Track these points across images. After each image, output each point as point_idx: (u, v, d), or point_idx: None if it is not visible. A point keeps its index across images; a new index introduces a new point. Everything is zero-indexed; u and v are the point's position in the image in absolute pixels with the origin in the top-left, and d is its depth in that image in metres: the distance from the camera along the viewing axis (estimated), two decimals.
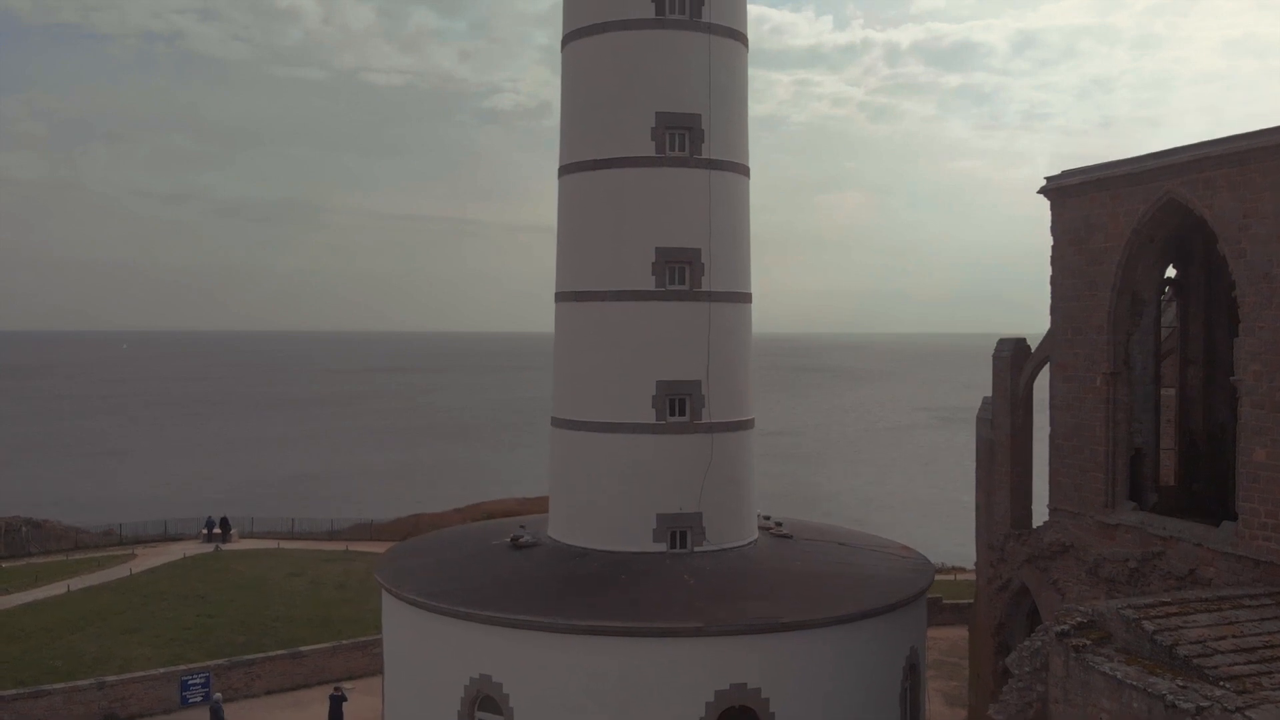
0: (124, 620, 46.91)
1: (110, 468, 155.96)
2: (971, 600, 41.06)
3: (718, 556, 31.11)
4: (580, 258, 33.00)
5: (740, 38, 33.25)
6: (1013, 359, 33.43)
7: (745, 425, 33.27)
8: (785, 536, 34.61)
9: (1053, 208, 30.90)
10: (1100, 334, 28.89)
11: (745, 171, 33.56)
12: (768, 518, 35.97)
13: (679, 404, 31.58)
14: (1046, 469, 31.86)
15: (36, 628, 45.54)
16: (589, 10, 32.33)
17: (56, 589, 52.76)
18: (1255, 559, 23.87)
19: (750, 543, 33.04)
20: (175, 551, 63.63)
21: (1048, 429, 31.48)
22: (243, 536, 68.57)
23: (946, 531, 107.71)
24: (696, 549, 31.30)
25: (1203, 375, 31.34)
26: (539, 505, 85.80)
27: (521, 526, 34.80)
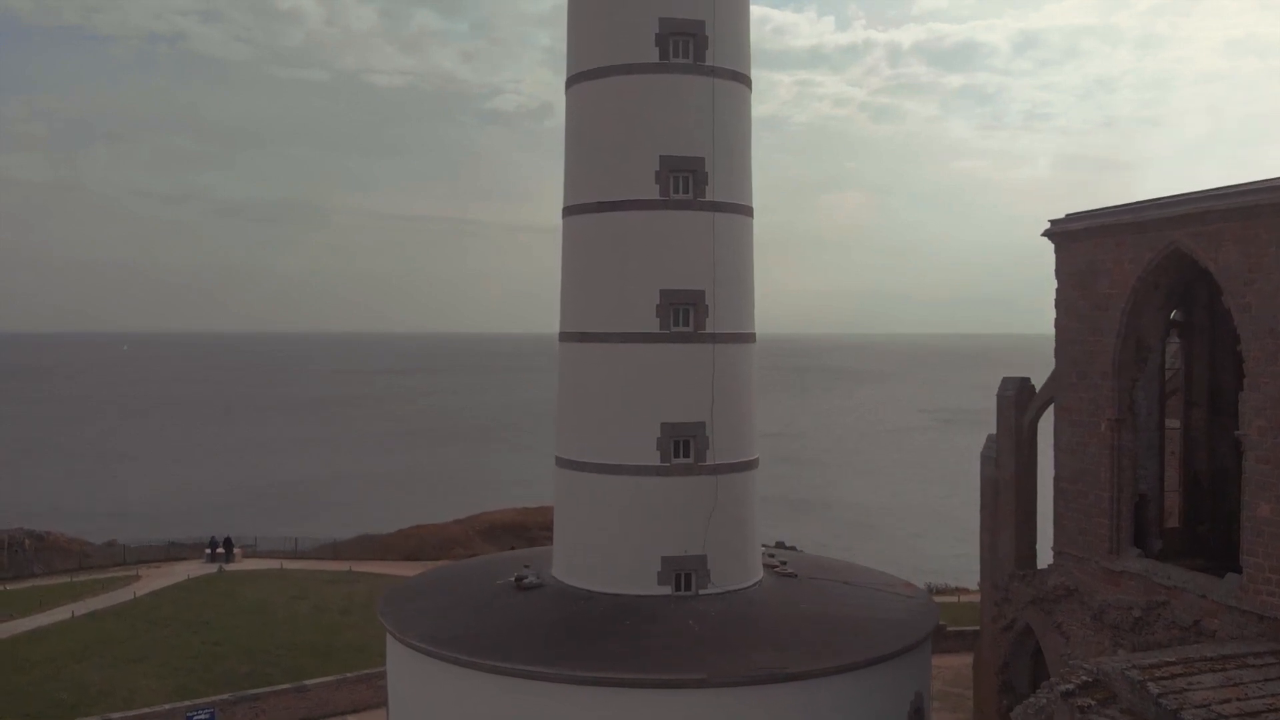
0: (129, 649, 46.94)
1: (112, 473, 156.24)
2: (976, 627, 41.22)
3: (722, 599, 31.16)
4: (585, 299, 33.04)
5: (744, 80, 33.30)
6: (1016, 399, 33.49)
7: (749, 465, 33.32)
8: (790, 575, 34.63)
9: (1057, 251, 30.93)
10: (1105, 379, 28.92)
11: (749, 212, 33.63)
12: (773, 555, 35.99)
13: (683, 446, 31.62)
14: (1050, 508, 32.03)
15: (42, 657, 45.57)
16: (593, 54, 32.38)
17: (61, 614, 52.80)
18: (1260, 614, 23.90)
19: (755, 584, 33.07)
20: (179, 572, 63.67)
21: (1051, 468, 31.66)
22: (246, 556, 68.62)
23: (947, 542, 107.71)
24: (701, 591, 31.35)
25: (1206, 417, 31.37)
26: (540, 515, 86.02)
27: (526, 566, 34.81)
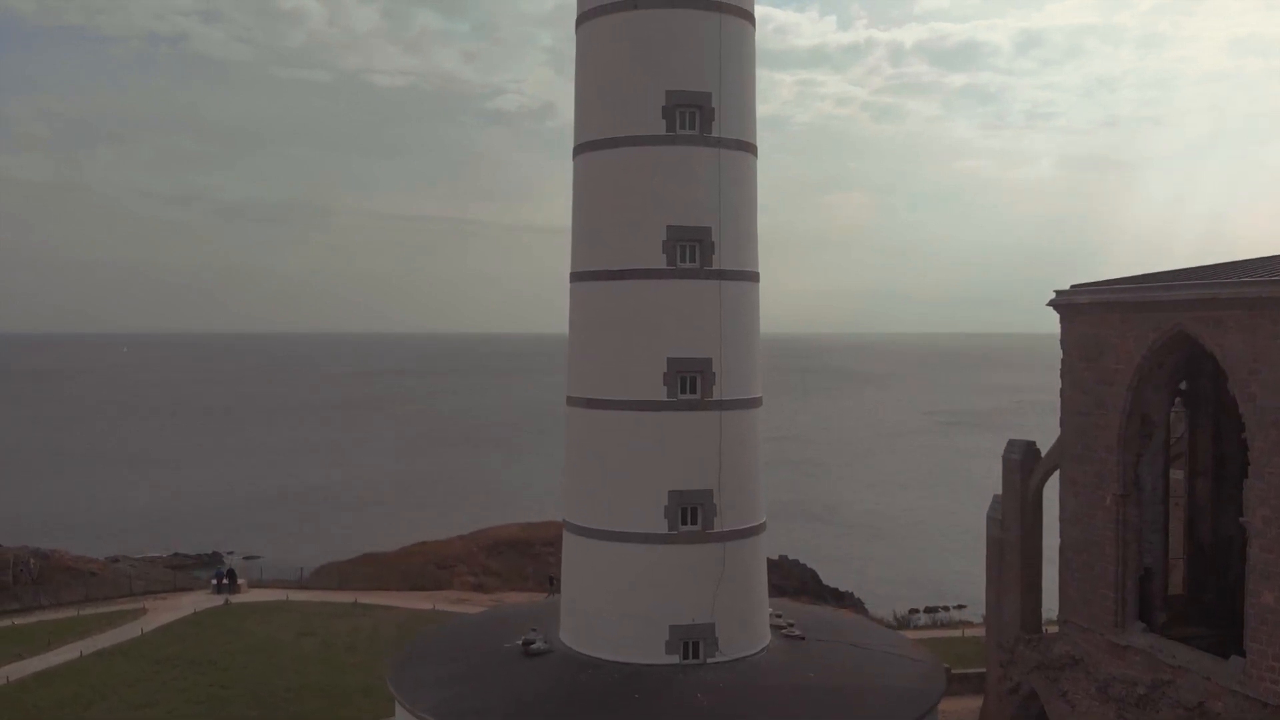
0: (137, 693, 47.10)
1: (114, 479, 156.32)
2: (981, 669, 41.41)
3: (730, 669, 31.33)
4: (592, 365, 33.22)
5: (749, 148, 33.57)
6: (1022, 462, 33.68)
7: (757, 530, 33.53)
8: (797, 638, 34.82)
9: (1062, 321, 31.17)
10: (1110, 454, 29.14)
11: (755, 278, 33.90)
12: (779, 615, 36.19)
13: (691, 513, 31.86)
14: (1055, 565, 32.25)
15: (50, 702, 45.74)
16: (601, 125, 32.69)
17: (69, 653, 52.97)
18: (1263, 701, 24.13)
19: (762, 649, 33.27)
20: (185, 605, 63.82)
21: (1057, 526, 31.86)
22: (251, 585, 68.83)
23: (949, 556, 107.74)
24: (709, 660, 31.55)
25: (1211, 486, 31.59)
26: (543, 531, 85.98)
27: (533, 630, 34.96)
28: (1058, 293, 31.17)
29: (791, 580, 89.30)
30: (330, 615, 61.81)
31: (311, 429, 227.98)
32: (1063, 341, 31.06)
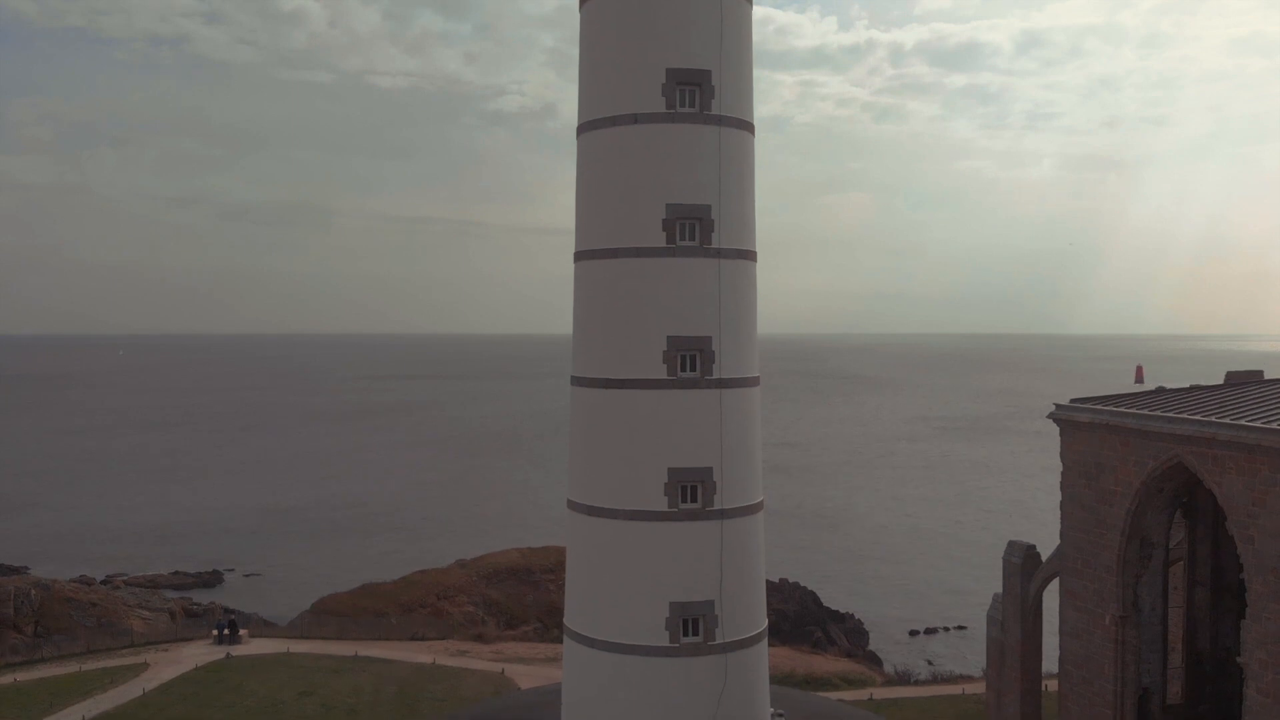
0: None
1: (112, 493, 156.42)
2: None
3: None
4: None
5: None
6: (1023, 565, 33.79)
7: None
8: None
9: (1062, 436, 31.26)
10: (1110, 574, 29.26)
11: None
12: (780, 714, 36.17)
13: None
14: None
15: None
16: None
17: (72, 716, 53.08)
18: None
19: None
20: (186, 658, 63.90)
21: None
22: (253, 635, 68.92)
23: (947, 571, 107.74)
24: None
25: (1210, 597, 31.68)
26: (543, 557, 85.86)
27: None
28: (1058, 406, 31.28)
29: (792, 603, 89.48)
30: (330, 671, 61.91)
31: (316, 438, 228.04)
32: (1063, 455, 31.16)
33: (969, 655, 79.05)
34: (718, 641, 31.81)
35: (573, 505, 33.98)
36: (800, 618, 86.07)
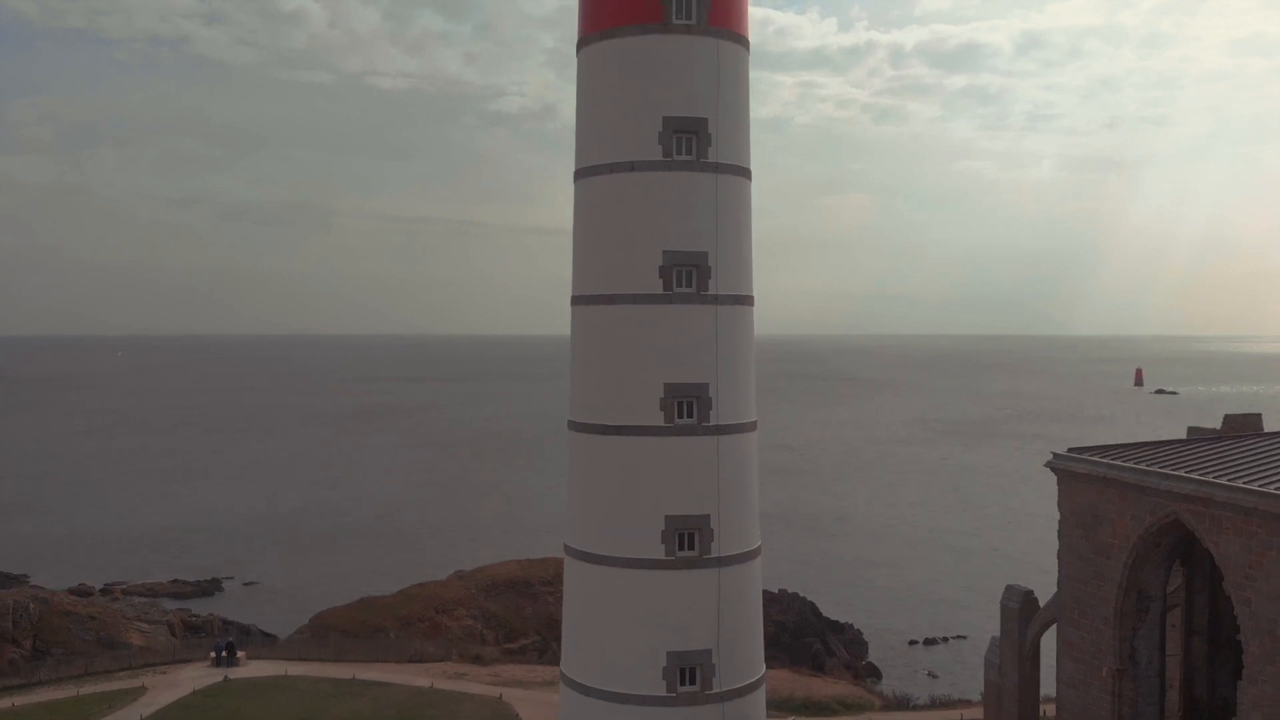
0: None
1: (112, 498, 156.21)
2: None
3: None
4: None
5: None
6: (1021, 611, 33.73)
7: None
8: None
9: (1060, 485, 31.21)
10: (1107, 626, 29.21)
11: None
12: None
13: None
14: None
15: None
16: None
17: None
18: None
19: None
20: (184, 681, 63.75)
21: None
22: (251, 658, 68.76)
23: (945, 578, 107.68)
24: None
25: (1207, 646, 31.61)
26: (541, 569, 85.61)
27: None
28: (1055, 455, 31.22)
29: (791, 615, 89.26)
30: (328, 695, 61.75)
31: (315, 441, 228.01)
32: (1060, 505, 31.11)
33: (967, 670, 78.99)
34: (715, 690, 31.78)
35: (570, 551, 33.97)
36: (800, 629, 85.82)
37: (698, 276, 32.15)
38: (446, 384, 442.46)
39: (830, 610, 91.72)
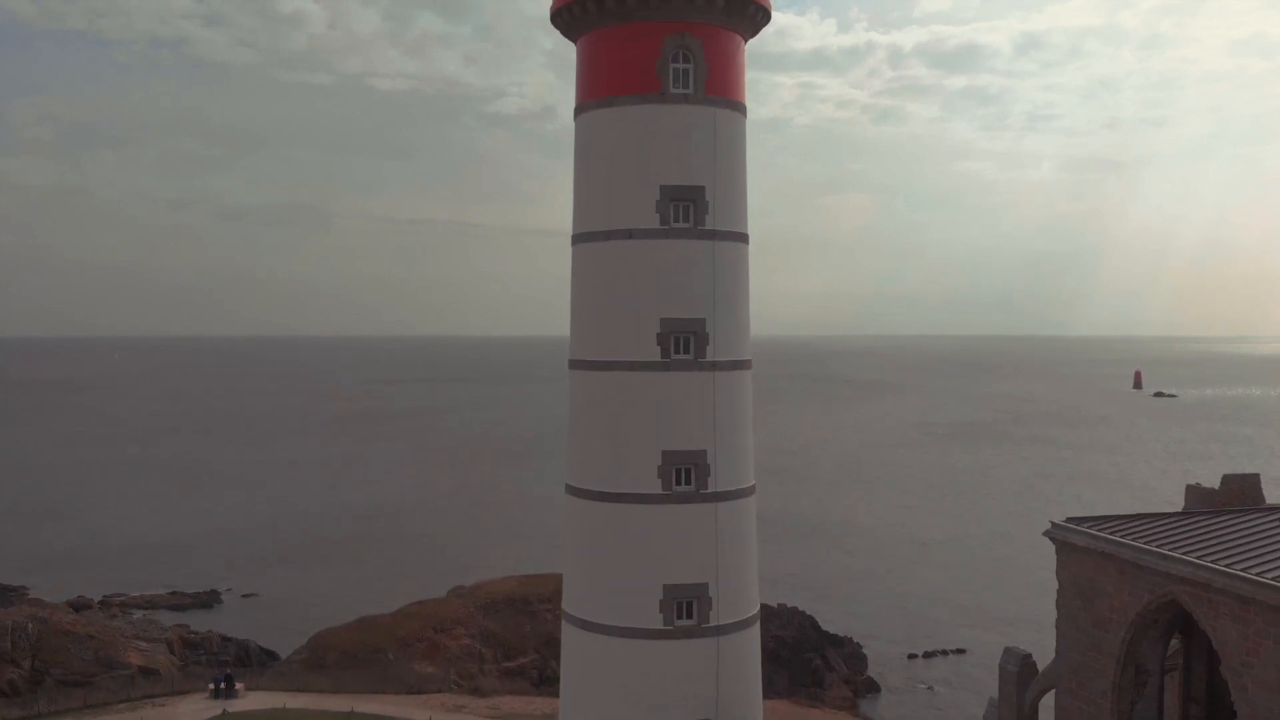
0: None
1: (111, 505, 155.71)
2: None
3: None
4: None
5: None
6: (1020, 675, 33.62)
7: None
8: None
9: (1058, 554, 31.13)
10: (1105, 699, 29.16)
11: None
12: None
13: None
14: None
15: None
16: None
17: None
18: None
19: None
20: (183, 716, 63.79)
21: None
22: (249, 689, 68.76)
23: (945, 587, 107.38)
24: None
25: (1205, 716, 31.52)
26: (540, 585, 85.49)
27: None
28: (1054, 525, 31.16)
29: (790, 629, 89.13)
30: None
31: (315, 445, 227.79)
32: (1058, 574, 31.03)
33: (965, 687, 79.07)
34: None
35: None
36: (799, 644, 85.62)
37: (695, 343, 32.13)
38: (446, 385, 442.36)
39: (829, 623, 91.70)
